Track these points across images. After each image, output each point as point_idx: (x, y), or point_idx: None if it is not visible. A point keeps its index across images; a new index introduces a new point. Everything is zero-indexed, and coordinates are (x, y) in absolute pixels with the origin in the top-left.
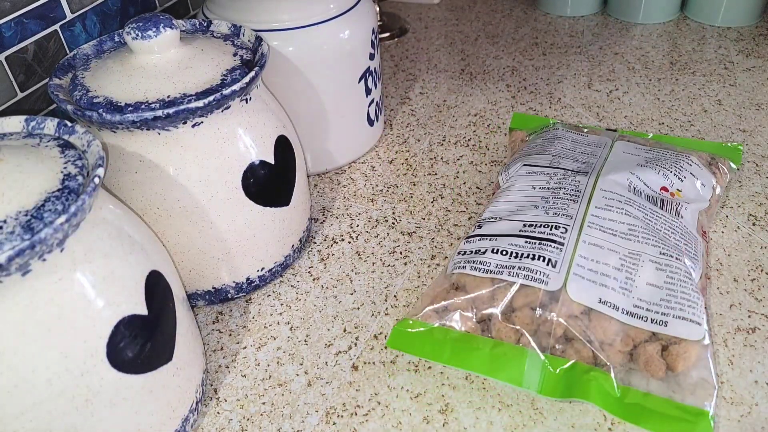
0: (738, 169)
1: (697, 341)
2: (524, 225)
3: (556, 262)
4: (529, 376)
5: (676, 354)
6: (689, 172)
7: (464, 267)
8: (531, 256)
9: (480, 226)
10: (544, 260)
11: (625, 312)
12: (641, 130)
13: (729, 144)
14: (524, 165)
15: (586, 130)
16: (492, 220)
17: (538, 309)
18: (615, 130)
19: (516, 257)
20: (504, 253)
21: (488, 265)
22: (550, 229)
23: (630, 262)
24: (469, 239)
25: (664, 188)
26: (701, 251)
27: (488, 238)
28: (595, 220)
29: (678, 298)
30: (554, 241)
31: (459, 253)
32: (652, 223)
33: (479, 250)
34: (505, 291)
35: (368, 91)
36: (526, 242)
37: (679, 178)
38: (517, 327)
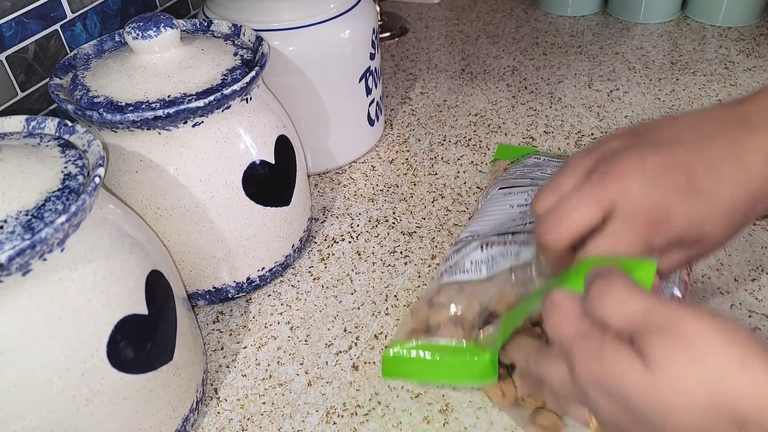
0: None
1: None
2: (500, 235)
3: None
4: None
5: None
6: None
7: (441, 278)
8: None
9: (458, 251)
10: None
11: None
12: None
13: None
14: (500, 188)
15: None
16: (469, 239)
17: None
18: None
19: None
20: (482, 248)
21: (464, 266)
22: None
23: None
24: (448, 258)
25: None
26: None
27: (465, 249)
28: None
29: None
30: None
31: (439, 274)
32: None
33: (457, 263)
34: (486, 288)
35: (368, 91)
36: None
37: None
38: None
